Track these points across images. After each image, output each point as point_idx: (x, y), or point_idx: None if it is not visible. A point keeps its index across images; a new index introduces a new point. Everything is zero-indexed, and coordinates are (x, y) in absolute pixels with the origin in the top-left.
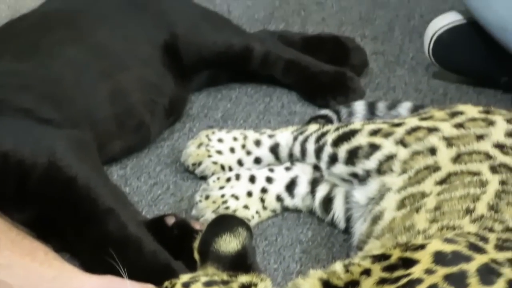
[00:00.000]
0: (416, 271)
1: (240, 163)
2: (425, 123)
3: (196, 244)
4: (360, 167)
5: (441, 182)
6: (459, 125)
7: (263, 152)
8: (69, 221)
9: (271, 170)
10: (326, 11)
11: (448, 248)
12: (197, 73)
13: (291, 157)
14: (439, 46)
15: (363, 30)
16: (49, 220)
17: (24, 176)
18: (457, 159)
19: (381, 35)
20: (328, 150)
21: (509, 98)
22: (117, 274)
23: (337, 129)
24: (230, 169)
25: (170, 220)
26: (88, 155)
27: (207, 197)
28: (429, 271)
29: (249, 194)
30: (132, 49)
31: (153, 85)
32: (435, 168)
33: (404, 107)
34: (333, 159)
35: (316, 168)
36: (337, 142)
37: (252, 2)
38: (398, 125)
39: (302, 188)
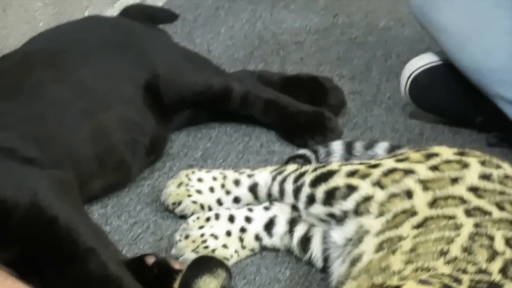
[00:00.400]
0: None
1: (219, 202)
2: (401, 165)
3: (176, 285)
4: (337, 208)
5: (418, 226)
6: (435, 168)
7: (242, 191)
8: (51, 261)
9: (250, 210)
10: (305, 51)
11: None
12: (177, 112)
13: (269, 196)
14: (416, 87)
15: (341, 70)
16: (31, 259)
17: (6, 216)
18: (433, 204)
19: (359, 75)
20: (306, 190)
21: (484, 138)
22: None
23: (315, 169)
24: (210, 208)
25: (150, 260)
26: (69, 195)
27: (186, 237)
28: None
29: (228, 233)
30: (114, 89)
31: (135, 124)
32: (412, 213)
33: (381, 147)
34: (311, 200)
35: (294, 208)
36: (315, 183)
37: (232, 42)
38: (375, 166)
39: (281, 227)
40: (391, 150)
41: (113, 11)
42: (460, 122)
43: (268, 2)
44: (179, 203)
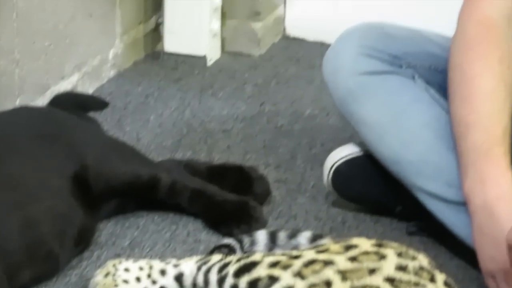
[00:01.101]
0: None
1: None
2: (321, 256)
3: None
4: None
5: None
6: (353, 259)
7: (168, 281)
8: None
9: None
10: (232, 139)
11: None
12: (105, 202)
13: (195, 286)
14: (338, 177)
15: (267, 158)
16: None
17: None
18: None
19: (284, 163)
20: (229, 281)
21: (404, 226)
22: None
23: (239, 260)
24: None
25: None
26: None
27: None
28: None
29: None
30: (43, 181)
31: (63, 216)
32: None
33: (304, 237)
34: None
35: None
36: (238, 273)
37: (161, 130)
38: (296, 257)
39: None
40: (314, 239)
41: (44, 100)
42: (381, 211)
43: (197, 90)
44: None
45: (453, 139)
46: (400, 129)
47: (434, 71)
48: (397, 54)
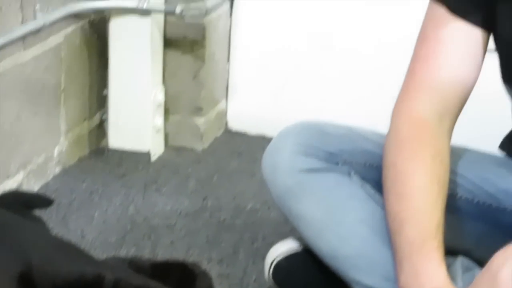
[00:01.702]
0: None
1: None
2: None
3: None
4: None
5: None
6: None
7: None
8: None
9: None
10: (175, 234)
11: None
12: None
13: None
14: (278, 272)
15: (210, 253)
16: None
17: None
18: None
19: (226, 258)
20: None
21: None
22: None
23: None
24: None
25: None
26: None
27: None
28: None
29: None
30: None
31: None
32: None
33: None
34: None
35: None
36: None
37: (105, 226)
38: None
39: None
40: None
41: None
42: None
43: (141, 185)
44: None
45: (389, 234)
46: (337, 225)
47: (370, 168)
48: (333, 152)
